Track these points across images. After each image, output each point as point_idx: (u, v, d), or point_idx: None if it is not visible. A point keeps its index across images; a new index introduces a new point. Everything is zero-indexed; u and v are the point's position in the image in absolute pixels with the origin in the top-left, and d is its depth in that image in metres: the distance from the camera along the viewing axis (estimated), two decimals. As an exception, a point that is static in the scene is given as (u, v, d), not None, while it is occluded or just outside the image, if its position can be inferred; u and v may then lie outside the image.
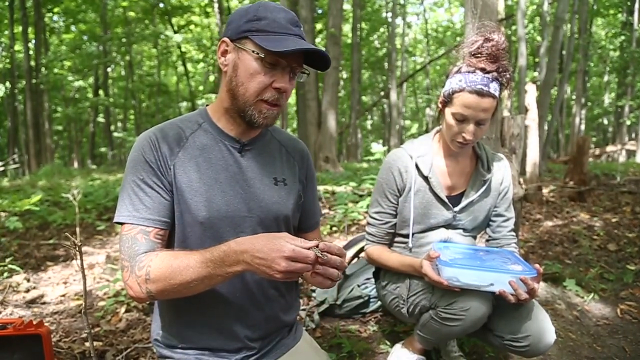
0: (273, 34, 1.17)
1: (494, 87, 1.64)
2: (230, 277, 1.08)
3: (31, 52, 17.27)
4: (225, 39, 1.24)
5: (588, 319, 2.69)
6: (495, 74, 1.65)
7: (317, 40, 16.26)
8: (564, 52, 16.34)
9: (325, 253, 1.03)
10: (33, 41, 17.55)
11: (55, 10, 18.78)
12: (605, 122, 28.77)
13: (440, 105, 1.80)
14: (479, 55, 1.66)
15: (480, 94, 1.63)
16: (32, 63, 17.17)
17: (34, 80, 16.96)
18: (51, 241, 4.34)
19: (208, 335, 1.30)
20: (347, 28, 21.62)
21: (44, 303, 2.91)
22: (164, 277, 1.11)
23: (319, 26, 17.33)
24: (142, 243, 1.18)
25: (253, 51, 1.18)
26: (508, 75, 1.68)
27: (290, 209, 1.38)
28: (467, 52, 1.69)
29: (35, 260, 3.81)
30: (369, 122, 35.18)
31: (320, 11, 18.34)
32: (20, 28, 16.98)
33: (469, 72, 1.66)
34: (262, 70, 1.19)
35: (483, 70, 1.64)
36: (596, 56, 22.87)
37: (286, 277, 1.00)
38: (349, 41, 20.30)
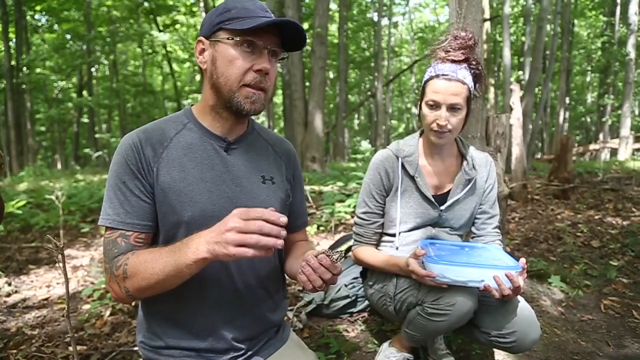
0: (244, 18, 1.19)
1: (462, 74, 1.72)
2: (197, 265, 1.07)
3: (12, 52, 17.00)
4: (201, 38, 1.26)
5: (573, 315, 2.72)
6: (464, 64, 1.74)
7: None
8: (547, 52, 16.53)
9: (331, 254, 1.08)
10: (14, 40, 17.26)
11: (38, 8, 18.48)
12: (588, 120, 29.18)
13: (419, 104, 1.85)
14: (449, 50, 1.75)
15: (448, 78, 1.71)
16: (13, 62, 16.89)
17: (14, 80, 16.68)
18: (33, 244, 4.27)
19: (195, 337, 1.29)
20: (333, 28, 21.63)
21: (26, 307, 2.86)
22: (138, 271, 1.13)
23: (305, 26, 17.31)
24: (121, 246, 1.21)
25: (228, 38, 1.20)
26: (480, 68, 1.78)
27: (278, 208, 1.37)
28: (439, 50, 1.79)
29: (17, 264, 3.75)
30: (355, 122, 35.27)
31: (306, 11, 18.33)
32: (0, 27, 16.68)
33: (438, 63, 1.76)
34: (240, 55, 1.20)
35: (452, 61, 1.73)
36: (580, 56, 23.19)
37: (239, 251, 0.98)
38: (336, 41, 20.31)
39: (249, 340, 1.35)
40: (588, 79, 26.46)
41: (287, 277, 1.49)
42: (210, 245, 1.02)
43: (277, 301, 1.45)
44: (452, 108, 1.71)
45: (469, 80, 1.74)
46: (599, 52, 21.94)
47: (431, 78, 1.76)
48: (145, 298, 1.30)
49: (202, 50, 1.27)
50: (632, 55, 14.42)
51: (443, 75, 1.72)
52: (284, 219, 1.00)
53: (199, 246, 1.04)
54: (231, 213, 1.02)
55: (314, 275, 1.09)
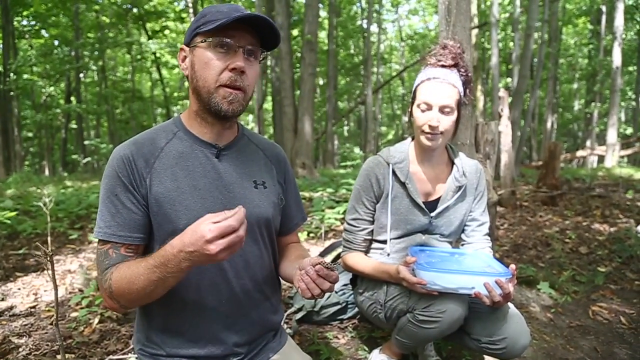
0: (216, 20, 1.20)
1: (453, 78, 1.76)
2: (183, 274, 1.08)
3: (-1, 57, 16.84)
4: (182, 46, 1.30)
5: (561, 321, 2.74)
6: (454, 69, 1.79)
7: (293, 46, 16.30)
8: (535, 60, 16.73)
9: (327, 265, 1.11)
10: (0, 45, 17.09)
11: (25, 13, 18.33)
12: (576, 127, 29.54)
13: (409, 109, 1.87)
14: (439, 56, 1.80)
15: (439, 81, 1.75)
16: (0, 68, 16.71)
17: (1, 86, 16.49)
18: (21, 251, 4.22)
19: (194, 344, 1.29)
20: (323, 35, 21.72)
21: (13, 315, 2.82)
22: (123, 288, 1.15)
23: (295, 33, 17.37)
24: (112, 257, 1.22)
25: (202, 41, 1.22)
26: (469, 74, 1.82)
27: (271, 212, 1.38)
28: (428, 57, 1.84)
29: (4, 271, 3.69)
30: (345, 129, 35.35)
31: (296, 18, 18.40)
32: (-13, 32, 16.53)
33: (428, 68, 1.81)
34: (215, 55, 1.22)
35: (443, 66, 1.78)
36: (566, 64, 23.50)
37: (228, 253, 1.00)
38: (326, 48, 20.39)
39: (248, 344, 1.36)
40: (575, 86, 26.79)
41: (281, 279, 1.50)
42: (194, 260, 1.03)
43: (274, 304, 1.46)
44: (443, 110, 1.73)
45: (459, 84, 1.78)
46: (585, 60, 22.26)
47: (422, 82, 1.79)
48: (142, 307, 1.33)
49: (184, 58, 1.30)
50: (618, 63, 14.63)
51: (434, 78, 1.76)
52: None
53: (181, 263, 1.04)
54: (208, 224, 0.99)
55: (312, 284, 1.12)
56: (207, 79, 1.23)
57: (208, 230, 0.98)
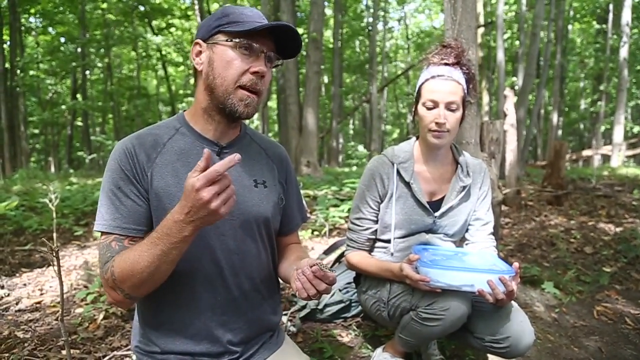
0: (242, 22, 1.22)
1: (457, 75, 1.76)
2: (186, 244, 1.09)
3: (6, 54, 16.90)
4: (198, 40, 1.28)
5: (566, 321, 2.73)
6: (457, 66, 1.78)
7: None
8: (541, 59, 16.65)
9: (324, 266, 1.10)
10: (8, 42, 17.17)
11: (32, 11, 18.41)
12: (582, 127, 29.37)
13: (414, 109, 1.87)
14: (442, 55, 1.80)
15: (444, 78, 1.74)
16: (7, 65, 16.79)
17: (9, 83, 16.57)
18: (27, 247, 4.24)
19: (190, 341, 1.29)
20: (328, 33, 21.68)
21: (19, 310, 2.84)
22: (126, 270, 1.13)
23: (300, 31, 17.35)
24: (115, 250, 1.20)
25: (226, 40, 1.22)
26: (471, 72, 1.82)
27: (270, 211, 1.38)
28: (430, 56, 1.84)
29: (10, 267, 3.72)
30: (350, 127, 35.31)
31: (301, 16, 18.38)
32: (-5, 29, 16.60)
33: (432, 66, 1.80)
34: (237, 56, 1.22)
35: (446, 64, 1.78)
36: (573, 63, 23.35)
37: (222, 204, 1.00)
38: (331, 46, 20.36)
39: (244, 343, 1.36)
40: (582, 84, 26.63)
41: (280, 280, 1.50)
42: (193, 220, 1.03)
43: (272, 305, 1.46)
44: (450, 107, 1.73)
45: (462, 82, 1.78)
46: (592, 59, 22.11)
47: (427, 80, 1.79)
48: (139, 302, 1.32)
49: (199, 53, 1.28)
50: (625, 62, 14.54)
51: (439, 75, 1.75)
52: (237, 157, 1.00)
53: (182, 229, 1.05)
54: (190, 186, 1.00)
55: (308, 284, 1.11)
56: (227, 78, 1.23)
57: (195, 179, 0.98)
